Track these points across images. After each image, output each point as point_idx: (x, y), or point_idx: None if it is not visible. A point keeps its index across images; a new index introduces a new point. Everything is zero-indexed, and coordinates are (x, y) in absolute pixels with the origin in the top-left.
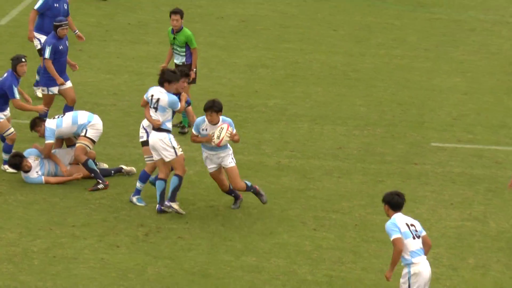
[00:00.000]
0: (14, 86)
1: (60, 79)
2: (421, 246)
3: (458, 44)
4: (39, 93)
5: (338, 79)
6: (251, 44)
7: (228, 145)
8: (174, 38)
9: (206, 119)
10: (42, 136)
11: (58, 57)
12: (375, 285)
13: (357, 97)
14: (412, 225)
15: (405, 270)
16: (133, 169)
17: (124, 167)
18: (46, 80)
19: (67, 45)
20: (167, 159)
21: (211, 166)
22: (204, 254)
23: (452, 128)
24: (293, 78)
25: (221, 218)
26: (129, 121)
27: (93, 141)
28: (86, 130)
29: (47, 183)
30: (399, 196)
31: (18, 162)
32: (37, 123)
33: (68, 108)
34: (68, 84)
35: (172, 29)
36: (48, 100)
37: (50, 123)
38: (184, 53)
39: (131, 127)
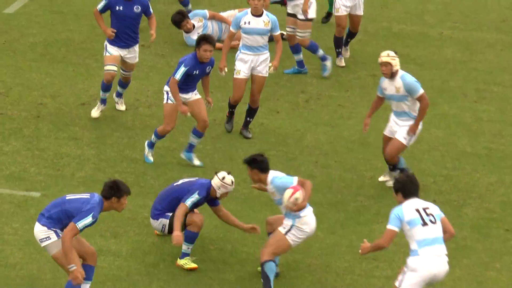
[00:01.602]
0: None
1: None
2: (435, 234)
3: None
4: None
5: None
6: None
7: (267, 51)
8: None
9: (248, 11)
10: None
11: None
12: None
13: None
14: (427, 208)
15: (407, 260)
16: None
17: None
18: None
19: None
20: None
21: (243, 70)
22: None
23: None
24: None
25: None
26: None
27: None
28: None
29: None
30: (412, 182)
31: (178, 19)
32: None
33: None
34: None
35: None
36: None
37: None
38: None
39: None
